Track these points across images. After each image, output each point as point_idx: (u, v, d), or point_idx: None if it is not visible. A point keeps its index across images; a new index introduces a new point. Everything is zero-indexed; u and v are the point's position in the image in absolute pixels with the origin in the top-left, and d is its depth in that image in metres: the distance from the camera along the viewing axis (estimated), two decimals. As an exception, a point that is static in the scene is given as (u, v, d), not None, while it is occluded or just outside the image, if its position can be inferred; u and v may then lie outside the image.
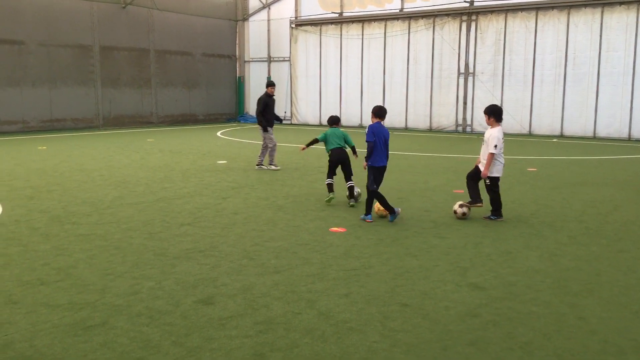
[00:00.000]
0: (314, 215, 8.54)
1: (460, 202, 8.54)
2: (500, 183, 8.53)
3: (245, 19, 32.26)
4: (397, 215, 8.17)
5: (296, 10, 29.95)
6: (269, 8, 31.35)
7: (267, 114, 13.33)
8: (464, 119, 25.24)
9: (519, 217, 8.51)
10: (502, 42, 24.08)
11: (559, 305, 5.06)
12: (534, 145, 19.57)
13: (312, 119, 30.04)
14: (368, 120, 27.93)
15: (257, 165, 13.51)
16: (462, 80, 25.19)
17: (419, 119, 26.54)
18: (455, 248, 6.85)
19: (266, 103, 13.33)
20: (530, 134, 23.58)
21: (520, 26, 23.69)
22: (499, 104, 24.15)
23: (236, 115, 32.85)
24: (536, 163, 14.76)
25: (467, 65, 24.97)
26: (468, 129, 25.22)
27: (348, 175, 9.57)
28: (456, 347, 4.21)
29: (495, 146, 8.19)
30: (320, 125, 29.38)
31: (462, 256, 6.52)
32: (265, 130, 13.34)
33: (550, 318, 4.77)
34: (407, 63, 26.55)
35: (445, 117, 25.79)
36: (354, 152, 9.83)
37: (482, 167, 8.41)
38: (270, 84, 13.74)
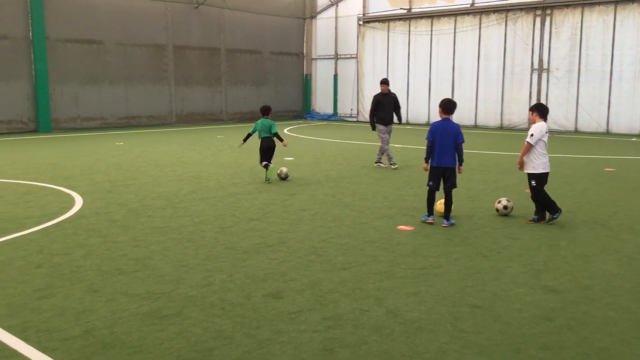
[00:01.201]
0: (381, 213, 8.52)
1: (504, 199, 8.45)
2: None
3: (313, 16, 32.46)
4: (449, 224, 7.81)
5: (364, 7, 29.88)
6: (337, 5, 31.41)
7: (379, 112, 13.03)
8: (537, 116, 24.43)
9: (596, 219, 8.18)
10: (579, 37, 23.15)
11: (638, 310, 4.84)
12: (611, 144, 18.73)
13: (379, 116, 29.88)
14: (435, 117, 27.54)
15: (390, 164, 13.18)
16: (535, 77, 24.41)
17: (489, 116, 25.94)
18: (529, 249, 6.66)
19: (377, 101, 13.06)
20: (607, 133, 22.58)
21: (597, 20, 22.71)
22: (574, 100, 23.36)
23: (303, 112, 33.14)
24: (614, 163, 14.12)
25: (540, 61, 24.18)
26: (540, 127, 24.40)
27: (269, 159, 11.33)
28: (529, 350, 4.11)
29: (532, 135, 7.70)
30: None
31: (535, 258, 6.34)
32: (373, 128, 13.19)
33: (629, 324, 4.57)
34: (478, 59, 25.99)
35: (517, 115, 25.06)
36: (279, 138, 11.39)
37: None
38: (382, 82, 13.22)
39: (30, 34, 22.15)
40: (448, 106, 7.86)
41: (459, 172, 7.96)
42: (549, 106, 23.81)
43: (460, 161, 7.85)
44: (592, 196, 9.83)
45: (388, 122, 13.09)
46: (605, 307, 4.91)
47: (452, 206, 8.01)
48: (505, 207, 8.31)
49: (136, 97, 25.60)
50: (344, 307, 4.88)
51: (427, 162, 7.98)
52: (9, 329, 4.43)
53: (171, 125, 26.78)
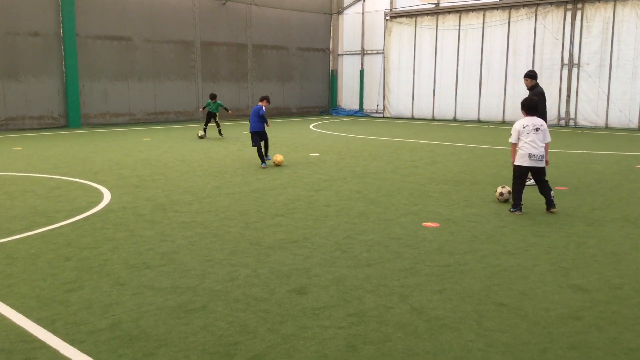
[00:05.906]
0: (406, 210, 8.47)
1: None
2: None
3: (340, 12, 32.38)
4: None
5: (391, 2, 29.69)
6: (364, 1, 31.28)
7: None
8: (567, 112, 24.05)
9: (626, 217, 8.01)
10: (610, 31, 22.69)
11: (671, 312, 4.73)
12: (644, 141, 18.30)
13: (405, 111, 29.71)
14: (463, 113, 27.35)
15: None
16: (565, 72, 24.00)
17: (517, 112, 25.51)
18: (557, 247, 6.56)
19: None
20: (639, 129, 22.09)
21: (630, 15, 22.21)
22: (605, 96, 22.90)
23: (329, 108, 33.11)
24: (646, 160, 13.81)
25: (571, 56, 23.76)
26: (571, 122, 24.01)
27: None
28: (556, 350, 4.04)
29: (510, 135, 8.39)
30: (412, 118, 29.02)
31: (563, 256, 6.23)
32: None
33: (661, 325, 4.46)
34: (507, 54, 25.64)
35: (547, 111, 24.64)
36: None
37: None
38: (527, 75, 10.55)
39: (61, 31, 22.54)
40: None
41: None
42: (579, 102, 23.63)
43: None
44: (623, 193, 9.63)
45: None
46: (636, 307, 4.81)
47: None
48: (501, 194, 8.92)
49: (164, 93, 25.88)
50: (368, 304, 4.86)
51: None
52: (38, 321, 4.52)
53: (198, 120, 26.98)
